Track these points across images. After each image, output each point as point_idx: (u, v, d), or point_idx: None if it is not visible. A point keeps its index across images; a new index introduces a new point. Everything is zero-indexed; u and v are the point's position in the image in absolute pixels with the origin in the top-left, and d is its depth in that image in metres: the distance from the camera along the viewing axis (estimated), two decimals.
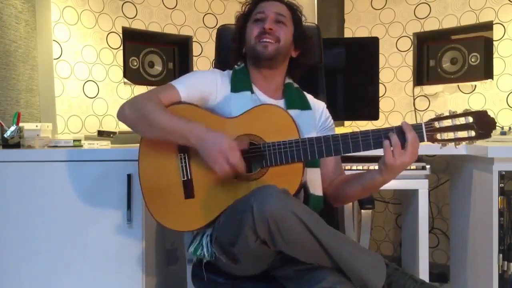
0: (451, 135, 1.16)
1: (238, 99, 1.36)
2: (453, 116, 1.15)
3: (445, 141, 1.16)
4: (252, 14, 1.45)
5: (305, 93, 1.51)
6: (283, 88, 1.47)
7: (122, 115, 1.30)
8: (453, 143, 1.16)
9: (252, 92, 1.39)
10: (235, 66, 1.48)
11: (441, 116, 1.16)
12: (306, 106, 1.44)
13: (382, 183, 1.27)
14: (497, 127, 2.07)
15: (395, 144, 1.15)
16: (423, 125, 1.17)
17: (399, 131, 1.16)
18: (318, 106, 1.51)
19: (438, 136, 1.16)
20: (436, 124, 1.16)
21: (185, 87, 1.33)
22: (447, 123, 1.15)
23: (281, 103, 1.42)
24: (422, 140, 1.17)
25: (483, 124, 1.14)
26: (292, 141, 1.24)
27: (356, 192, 1.36)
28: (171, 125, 1.24)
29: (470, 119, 1.15)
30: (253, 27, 1.41)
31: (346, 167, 1.89)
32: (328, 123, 1.50)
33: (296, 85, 1.51)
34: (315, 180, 1.37)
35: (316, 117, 1.47)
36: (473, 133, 1.15)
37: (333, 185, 1.42)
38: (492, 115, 2.48)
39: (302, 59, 1.49)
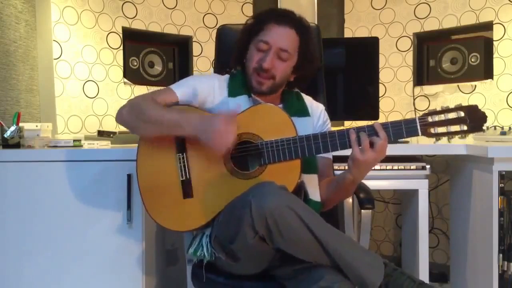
0: (444, 129, 1.20)
1: (236, 103, 1.35)
2: (446, 111, 1.20)
3: (438, 135, 1.20)
4: (259, 33, 1.38)
5: (303, 95, 1.51)
6: (281, 94, 1.47)
7: (120, 117, 1.32)
8: (446, 137, 1.21)
9: (250, 96, 1.40)
10: (232, 70, 1.47)
11: (434, 111, 1.20)
12: (304, 112, 1.44)
13: (353, 183, 1.29)
14: (497, 127, 2.07)
15: (363, 139, 1.18)
16: (417, 120, 1.20)
17: (371, 129, 1.20)
18: (317, 109, 1.50)
19: (432, 130, 1.20)
20: (430, 119, 1.20)
21: (182, 90, 1.34)
22: (440, 117, 1.20)
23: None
24: (416, 134, 1.20)
25: (474, 117, 1.18)
26: (289, 138, 1.25)
27: (331, 195, 1.38)
28: (166, 117, 1.24)
29: (462, 114, 1.19)
30: (254, 54, 1.37)
31: (340, 167, 1.90)
32: (325, 127, 1.50)
33: (295, 89, 1.50)
34: (313, 186, 1.37)
35: (314, 122, 1.47)
36: (465, 127, 1.19)
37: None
38: (492, 115, 2.49)
39: (301, 77, 1.46)
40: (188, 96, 1.34)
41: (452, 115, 1.19)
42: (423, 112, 2.61)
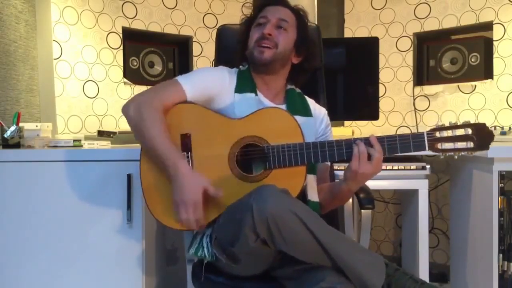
0: (451, 145, 1.21)
1: (243, 101, 1.36)
2: (454, 127, 1.21)
3: (445, 151, 1.21)
4: (256, 17, 1.45)
5: (307, 98, 1.51)
6: (284, 93, 1.48)
7: (125, 111, 1.29)
8: (452, 153, 1.21)
9: (256, 94, 1.40)
10: (240, 66, 1.47)
11: (442, 126, 1.21)
12: (307, 112, 1.44)
13: (348, 192, 1.31)
14: (497, 127, 2.07)
15: (362, 152, 1.20)
16: (425, 134, 1.21)
17: (367, 142, 1.22)
18: (319, 112, 1.51)
19: (439, 145, 1.21)
20: (437, 134, 1.21)
21: (192, 87, 1.32)
22: (448, 133, 1.21)
23: (282, 108, 1.42)
24: (423, 148, 1.21)
25: (481, 136, 1.20)
26: (296, 144, 1.25)
27: (328, 201, 1.40)
28: (159, 148, 1.23)
29: (470, 131, 1.20)
30: (255, 31, 1.42)
31: (340, 167, 1.90)
32: (327, 131, 1.51)
33: (298, 90, 1.51)
34: (312, 186, 1.38)
35: (317, 124, 1.48)
36: (471, 144, 1.20)
37: None
38: (492, 115, 2.49)
39: (305, 65, 1.48)
40: (197, 94, 1.33)
41: (459, 132, 1.20)
42: (423, 111, 2.65)
